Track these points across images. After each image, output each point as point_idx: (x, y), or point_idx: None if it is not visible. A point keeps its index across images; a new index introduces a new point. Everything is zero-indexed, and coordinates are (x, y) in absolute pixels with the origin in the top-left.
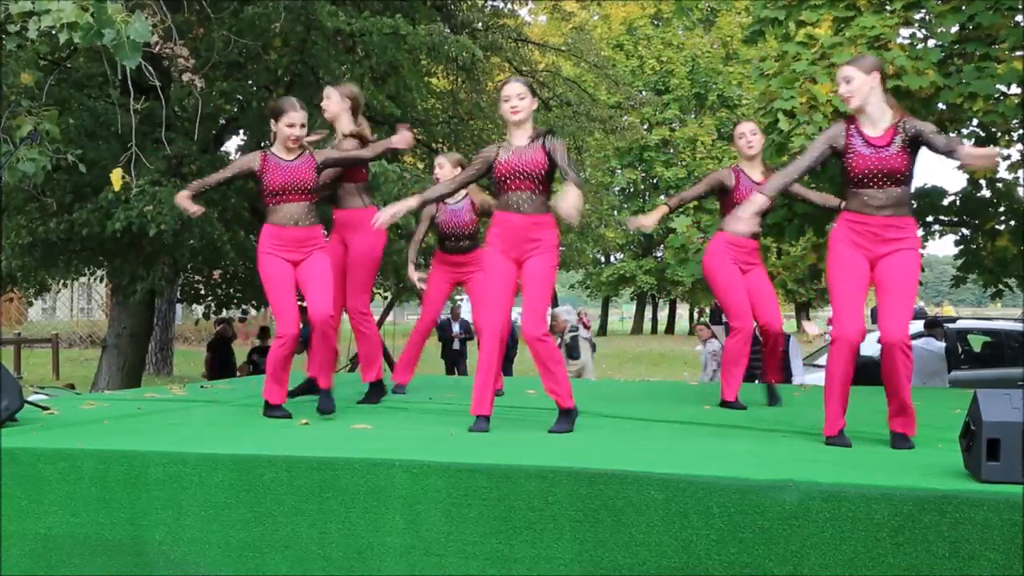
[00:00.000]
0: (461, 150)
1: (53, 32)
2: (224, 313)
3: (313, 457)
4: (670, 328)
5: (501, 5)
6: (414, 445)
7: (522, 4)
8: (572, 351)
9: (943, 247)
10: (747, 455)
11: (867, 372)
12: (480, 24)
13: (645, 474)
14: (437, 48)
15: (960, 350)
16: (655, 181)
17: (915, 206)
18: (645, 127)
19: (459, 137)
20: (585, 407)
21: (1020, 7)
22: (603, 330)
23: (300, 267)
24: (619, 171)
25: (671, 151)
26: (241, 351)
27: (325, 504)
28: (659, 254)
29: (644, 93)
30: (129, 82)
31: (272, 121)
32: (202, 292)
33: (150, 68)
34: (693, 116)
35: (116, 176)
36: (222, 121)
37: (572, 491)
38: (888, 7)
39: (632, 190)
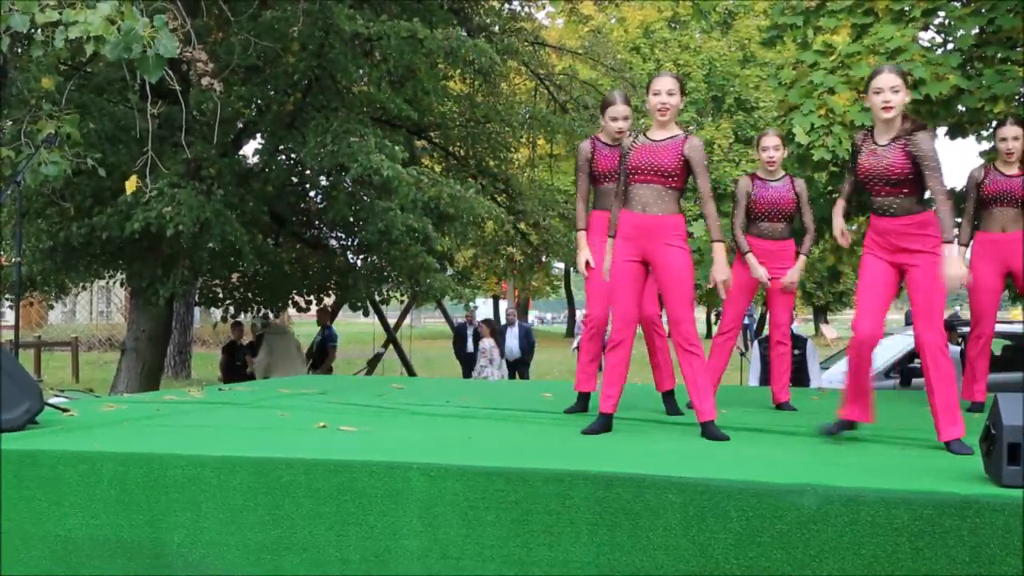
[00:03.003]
0: (478, 153)
1: (75, 42)
2: (240, 317)
3: (331, 460)
4: None
5: (518, 8)
6: (431, 448)
7: (539, 8)
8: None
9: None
10: (765, 459)
11: None
12: (497, 27)
13: (663, 478)
14: (454, 52)
15: None
16: None
17: None
18: None
19: (476, 140)
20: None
21: None
22: None
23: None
24: None
25: None
26: None
27: (343, 507)
28: None
29: None
30: (148, 87)
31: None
32: (220, 295)
33: (170, 73)
34: (710, 119)
35: (131, 182)
36: (240, 125)
37: (589, 494)
38: (908, 13)
39: None
